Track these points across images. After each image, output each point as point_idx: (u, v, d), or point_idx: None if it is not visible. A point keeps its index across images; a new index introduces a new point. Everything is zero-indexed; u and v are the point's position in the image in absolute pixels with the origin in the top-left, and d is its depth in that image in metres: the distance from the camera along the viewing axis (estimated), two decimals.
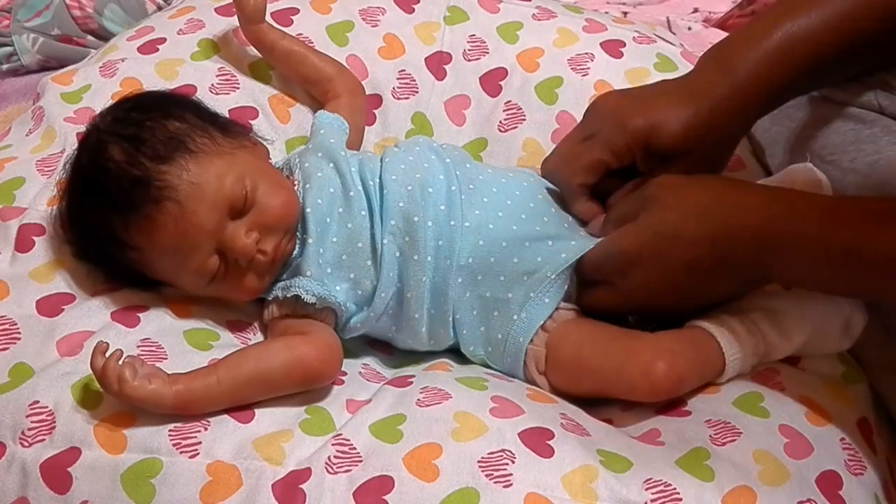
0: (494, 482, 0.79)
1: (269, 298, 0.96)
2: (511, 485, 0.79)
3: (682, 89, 0.99)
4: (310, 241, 0.95)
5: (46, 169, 1.05)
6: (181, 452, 0.82)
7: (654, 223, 0.91)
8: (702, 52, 1.26)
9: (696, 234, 0.88)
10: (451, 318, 0.96)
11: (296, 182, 0.98)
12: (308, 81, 1.14)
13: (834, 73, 1.04)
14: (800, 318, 0.91)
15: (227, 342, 0.94)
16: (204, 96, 1.09)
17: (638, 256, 0.91)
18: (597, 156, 0.99)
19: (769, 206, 0.87)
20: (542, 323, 0.94)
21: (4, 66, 1.58)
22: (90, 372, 0.85)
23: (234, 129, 0.99)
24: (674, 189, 0.92)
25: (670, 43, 1.25)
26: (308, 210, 0.96)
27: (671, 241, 0.89)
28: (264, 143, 1.02)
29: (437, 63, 1.20)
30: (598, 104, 1.01)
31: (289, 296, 0.94)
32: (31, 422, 0.85)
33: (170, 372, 0.86)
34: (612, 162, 0.99)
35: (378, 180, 0.98)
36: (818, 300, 0.92)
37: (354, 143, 1.09)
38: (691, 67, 1.19)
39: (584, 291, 0.97)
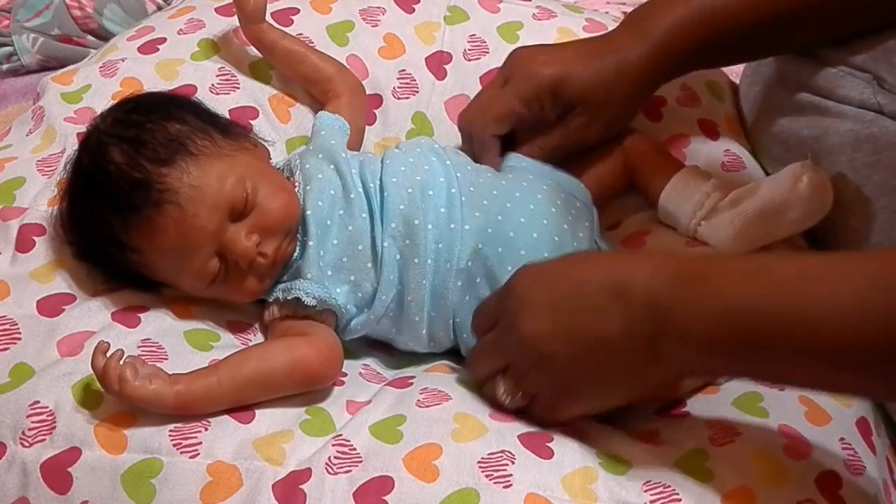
0: (494, 483, 0.79)
1: (270, 300, 0.96)
2: (511, 485, 0.79)
3: (595, 45, 1.05)
4: (310, 243, 0.95)
5: (47, 169, 1.05)
6: (181, 452, 0.82)
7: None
8: None
9: (593, 276, 0.82)
10: (451, 321, 0.96)
11: (296, 184, 0.98)
12: (308, 81, 1.14)
13: (753, 49, 1.08)
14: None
15: (227, 343, 0.94)
16: (204, 96, 1.09)
17: (528, 297, 0.84)
18: (508, 105, 1.03)
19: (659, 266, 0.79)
20: None
21: (4, 66, 1.58)
22: (91, 372, 0.85)
23: (234, 131, 0.99)
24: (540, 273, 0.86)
25: None
26: (308, 212, 0.96)
27: (566, 276, 0.84)
28: (265, 144, 1.02)
29: (438, 63, 1.20)
30: (513, 54, 1.06)
31: (289, 298, 0.94)
32: (32, 422, 0.85)
33: (170, 372, 0.86)
34: (523, 111, 1.03)
35: (378, 182, 0.98)
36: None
37: (355, 143, 1.09)
38: None
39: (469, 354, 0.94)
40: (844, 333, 0.69)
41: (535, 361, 0.83)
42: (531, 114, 1.04)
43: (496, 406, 0.87)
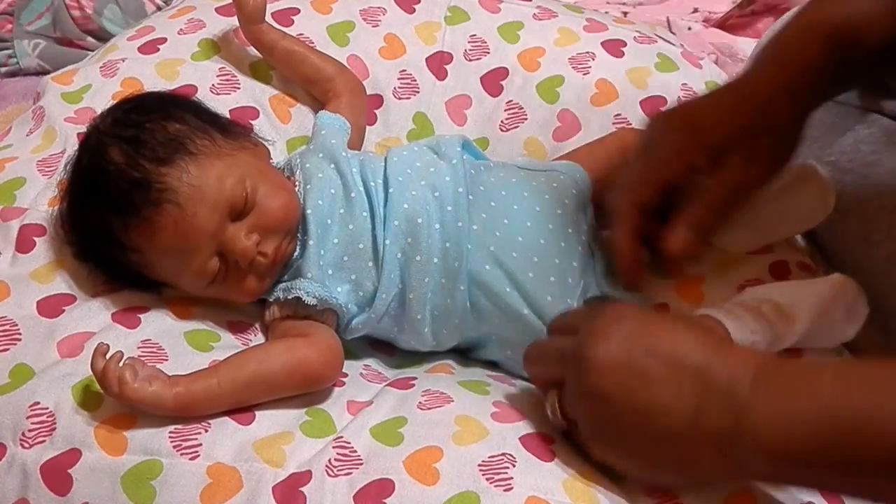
0: (495, 486, 0.79)
1: (271, 300, 0.96)
2: (512, 488, 0.79)
3: (728, 86, 0.96)
4: (310, 242, 0.95)
5: (47, 169, 1.05)
6: (181, 454, 0.82)
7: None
8: (702, 52, 1.26)
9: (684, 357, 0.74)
10: (456, 321, 0.96)
11: (297, 183, 0.98)
12: (309, 81, 1.14)
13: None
14: (803, 303, 0.91)
15: (227, 343, 0.94)
16: (204, 96, 1.09)
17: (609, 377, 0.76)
18: (648, 167, 0.93)
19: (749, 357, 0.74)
20: None
21: (3, 69, 1.58)
22: (91, 373, 0.85)
23: (234, 131, 0.99)
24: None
25: (671, 43, 1.25)
26: (309, 211, 0.96)
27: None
28: (265, 143, 1.02)
29: (438, 63, 1.20)
30: (650, 121, 0.97)
31: (290, 297, 0.94)
32: (32, 423, 0.85)
33: (170, 373, 0.86)
34: (665, 171, 0.92)
35: (381, 181, 0.98)
36: (821, 286, 0.92)
37: (356, 143, 1.09)
38: (692, 67, 1.20)
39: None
40: None
41: (585, 389, 0.77)
42: (676, 174, 0.92)
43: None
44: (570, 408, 0.80)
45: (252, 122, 1.10)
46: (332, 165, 0.99)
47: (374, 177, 0.98)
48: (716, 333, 0.82)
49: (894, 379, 0.68)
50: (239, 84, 1.14)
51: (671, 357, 0.74)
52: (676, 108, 0.97)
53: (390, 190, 0.96)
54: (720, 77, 1.22)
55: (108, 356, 0.84)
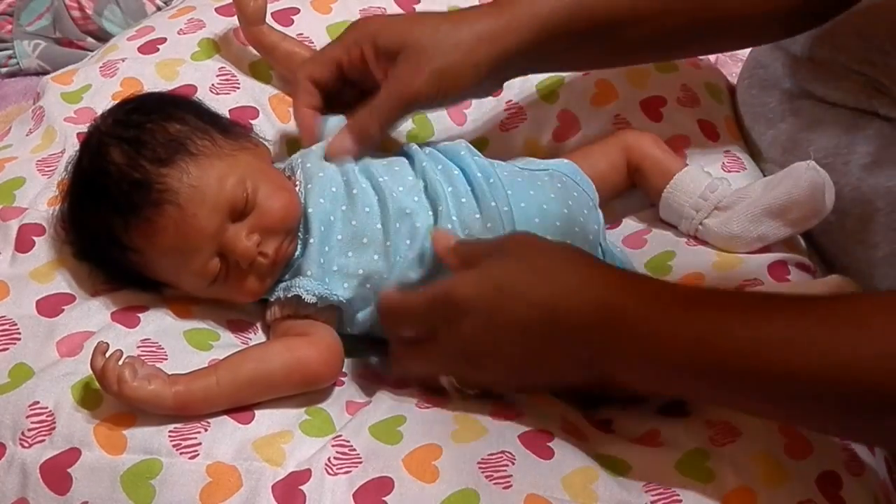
0: (494, 483, 0.79)
1: (272, 299, 0.96)
2: (511, 486, 0.79)
3: (448, 13, 1.01)
4: (312, 240, 0.95)
5: (47, 169, 1.05)
6: (181, 453, 0.82)
7: (497, 274, 0.83)
8: None
9: (538, 297, 0.80)
10: None
11: (297, 182, 0.98)
12: None
13: (625, 52, 1.03)
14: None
15: (227, 342, 0.94)
16: (204, 96, 1.09)
17: (472, 306, 0.82)
18: (326, 49, 1.01)
19: (621, 284, 0.81)
20: None
21: (3, 70, 1.58)
22: (90, 372, 0.85)
23: (235, 131, 0.99)
24: (528, 247, 0.86)
25: None
26: (310, 210, 0.96)
27: (511, 298, 0.81)
28: (266, 143, 1.02)
29: None
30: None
31: (290, 296, 0.94)
32: (31, 422, 0.85)
33: (170, 372, 0.86)
34: (342, 56, 0.99)
35: (387, 178, 0.98)
36: (817, 287, 0.92)
37: None
38: (691, 67, 1.20)
39: (394, 351, 0.91)
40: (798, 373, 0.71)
41: (453, 313, 0.83)
42: (350, 60, 0.99)
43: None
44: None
45: (252, 121, 1.10)
46: (333, 164, 0.99)
47: (382, 173, 0.98)
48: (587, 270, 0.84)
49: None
50: (239, 84, 1.14)
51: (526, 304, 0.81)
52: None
53: (399, 189, 0.96)
54: (720, 77, 1.22)
55: (107, 355, 0.84)
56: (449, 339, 0.84)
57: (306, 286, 0.93)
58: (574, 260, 0.84)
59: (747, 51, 1.21)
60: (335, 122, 1.03)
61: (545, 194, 0.99)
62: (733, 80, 1.23)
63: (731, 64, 1.33)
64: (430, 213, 0.96)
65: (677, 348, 0.76)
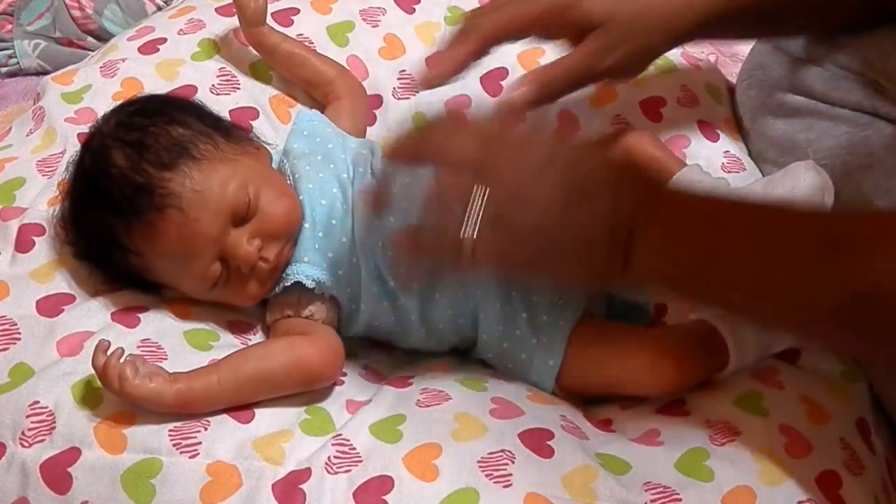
0: (494, 482, 0.79)
1: (271, 298, 0.96)
2: (511, 485, 0.79)
3: None
4: (305, 225, 0.95)
5: (47, 169, 1.05)
6: (181, 452, 0.82)
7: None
8: (701, 52, 1.26)
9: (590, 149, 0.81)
10: (458, 321, 0.96)
11: (287, 178, 0.98)
12: (309, 84, 1.14)
13: (786, 19, 1.02)
14: None
15: (227, 343, 0.94)
16: (204, 97, 1.09)
17: (531, 139, 0.81)
18: (517, 12, 0.94)
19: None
20: (562, 345, 0.93)
21: (3, 69, 1.58)
22: (90, 372, 0.85)
23: (237, 135, 0.99)
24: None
25: None
26: (302, 197, 0.96)
27: (566, 145, 0.81)
28: (267, 146, 1.02)
29: None
30: None
31: (288, 285, 0.94)
32: (32, 422, 0.85)
33: (170, 372, 0.86)
34: (537, 15, 0.94)
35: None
36: None
37: None
38: (692, 67, 1.20)
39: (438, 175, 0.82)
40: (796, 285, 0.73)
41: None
42: (542, 21, 0.95)
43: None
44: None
45: (252, 122, 1.10)
46: (320, 157, 0.99)
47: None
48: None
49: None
50: (239, 84, 1.14)
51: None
52: None
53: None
54: (720, 77, 1.22)
55: (108, 353, 0.84)
56: (499, 162, 0.78)
57: (305, 272, 0.93)
58: None
59: (747, 51, 1.21)
60: (307, 116, 1.04)
61: None
62: (733, 80, 1.23)
63: (731, 64, 1.33)
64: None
65: (698, 235, 0.77)
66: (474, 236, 0.77)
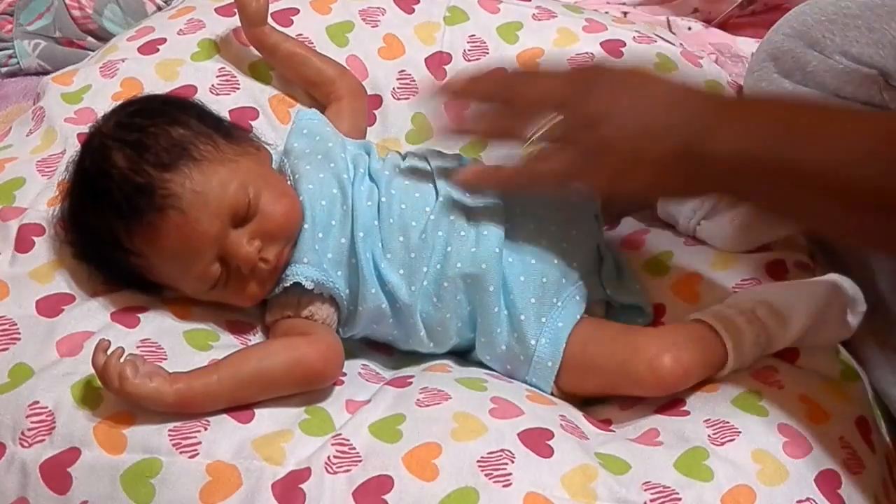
0: (494, 482, 0.79)
1: (270, 298, 0.96)
2: (510, 484, 0.79)
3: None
4: (305, 226, 0.95)
5: (47, 169, 1.05)
6: (181, 452, 0.82)
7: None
8: (701, 52, 1.26)
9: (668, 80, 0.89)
10: (458, 325, 0.96)
11: (288, 178, 0.98)
12: (310, 84, 1.14)
13: None
14: (798, 304, 0.91)
15: (226, 343, 0.94)
16: (204, 97, 1.09)
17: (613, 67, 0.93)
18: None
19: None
20: (561, 346, 0.93)
21: (3, 69, 1.58)
22: (90, 372, 0.85)
23: (237, 135, 0.98)
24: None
25: (670, 43, 1.25)
26: (302, 197, 0.96)
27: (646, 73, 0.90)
28: (267, 146, 1.02)
29: (438, 63, 1.20)
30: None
31: (288, 285, 0.94)
32: (31, 422, 0.85)
33: (170, 371, 0.86)
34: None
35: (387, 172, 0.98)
36: (816, 286, 0.92)
37: None
38: (692, 67, 1.20)
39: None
40: (855, 176, 0.76)
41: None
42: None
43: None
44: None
45: (252, 122, 1.10)
46: (320, 156, 0.99)
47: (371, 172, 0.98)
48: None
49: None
50: (239, 84, 1.14)
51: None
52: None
53: (382, 198, 0.97)
54: (720, 77, 1.22)
55: (108, 352, 0.84)
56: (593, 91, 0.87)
57: (305, 272, 0.93)
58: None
59: (749, 50, 1.21)
60: (307, 115, 1.03)
61: (540, 201, 0.99)
62: (734, 79, 1.23)
63: (732, 64, 1.33)
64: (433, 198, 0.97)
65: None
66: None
